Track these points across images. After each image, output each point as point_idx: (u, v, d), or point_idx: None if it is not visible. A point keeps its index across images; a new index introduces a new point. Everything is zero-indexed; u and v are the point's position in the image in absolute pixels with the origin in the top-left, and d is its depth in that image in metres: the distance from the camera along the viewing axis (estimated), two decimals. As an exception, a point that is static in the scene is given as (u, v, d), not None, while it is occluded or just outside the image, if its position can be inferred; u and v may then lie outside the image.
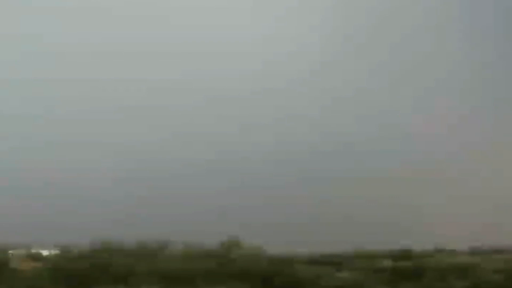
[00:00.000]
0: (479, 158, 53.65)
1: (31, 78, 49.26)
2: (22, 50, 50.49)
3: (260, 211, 44.31)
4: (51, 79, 49.13)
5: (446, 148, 54.07)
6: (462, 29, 59.68)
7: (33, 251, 33.86)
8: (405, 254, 35.02)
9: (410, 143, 54.08)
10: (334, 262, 31.82)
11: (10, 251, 31.31)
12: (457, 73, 59.05)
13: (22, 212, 40.08)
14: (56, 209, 41.70)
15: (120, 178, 43.72)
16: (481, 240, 41.03)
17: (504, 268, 32.27)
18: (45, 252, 33.45)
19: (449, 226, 45.96)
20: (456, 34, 59.34)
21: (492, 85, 59.29)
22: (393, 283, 29.48)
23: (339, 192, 48.37)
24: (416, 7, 59.35)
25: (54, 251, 32.18)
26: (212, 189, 45.61)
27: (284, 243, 33.63)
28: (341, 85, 55.57)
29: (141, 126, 48.59)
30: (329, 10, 57.30)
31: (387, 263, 32.14)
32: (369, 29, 58.43)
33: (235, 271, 27.34)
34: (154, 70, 51.14)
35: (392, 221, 45.22)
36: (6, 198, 40.78)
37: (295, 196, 47.01)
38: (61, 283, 26.85)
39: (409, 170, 51.50)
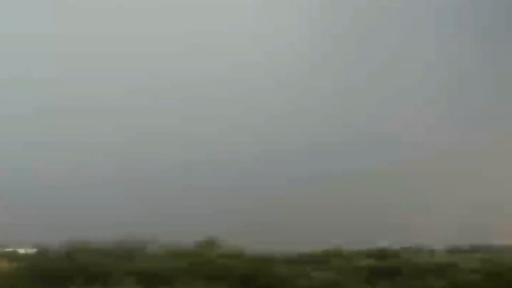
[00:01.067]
0: (456, 158, 54.12)
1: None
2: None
3: (240, 211, 44.36)
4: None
5: (423, 149, 54.47)
6: (442, 30, 60.12)
7: (10, 250, 33.60)
8: (383, 253, 35.16)
9: (388, 144, 54.34)
10: (312, 261, 31.86)
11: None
12: (433, 75, 59.48)
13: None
14: (33, 208, 41.41)
15: (99, 178, 43.51)
16: (458, 239, 41.40)
17: (482, 267, 32.57)
18: (22, 251, 33.21)
19: (426, 225, 46.29)
20: (434, 37, 59.78)
21: (468, 88, 59.79)
22: (371, 282, 29.63)
23: (318, 192, 48.53)
24: (391, 10, 59.67)
25: (31, 250, 31.97)
26: (193, 188, 45.56)
27: (264, 243, 33.63)
28: (328, 86, 55.73)
29: (122, 125, 48.38)
30: (305, 10, 57.42)
31: (365, 262, 32.30)
32: (346, 31, 58.71)
33: (213, 270, 27.36)
34: (133, 70, 50.91)
35: (370, 220, 45.47)
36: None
37: (276, 197, 47.12)
38: (38, 283, 26.68)
39: (387, 170, 51.78)
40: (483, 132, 56.49)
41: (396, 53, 58.57)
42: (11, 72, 49.19)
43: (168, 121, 49.66)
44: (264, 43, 55.66)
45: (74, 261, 27.46)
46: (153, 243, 29.15)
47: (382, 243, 37.22)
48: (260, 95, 52.96)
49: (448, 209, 49.06)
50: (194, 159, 47.82)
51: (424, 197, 49.89)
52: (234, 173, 48.36)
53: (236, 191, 46.21)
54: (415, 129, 55.51)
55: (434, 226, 46.33)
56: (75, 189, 41.79)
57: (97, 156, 45.96)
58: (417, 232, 43.86)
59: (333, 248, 34.73)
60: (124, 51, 50.99)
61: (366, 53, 58.23)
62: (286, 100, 54.03)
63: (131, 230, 29.25)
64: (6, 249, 33.39)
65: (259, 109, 52.45)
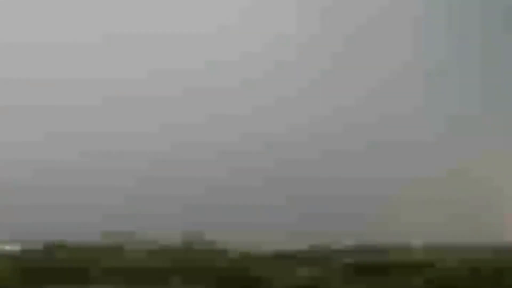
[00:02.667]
0: (435, 156, 54.40)
1: None
2: None
3: (224, 207, 44.33)
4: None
5: (398, 147, 54.71)
6: (417, 29, 60.42)
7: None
8: (367, 250, 35.36)
9: (375, 138, 54.49)
10: (296, 257, 31.98)
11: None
12: (422, 70, 59.68)
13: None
14: (14, 205, 41.13)
15: (79, 173, 43.30)
16: (437, 237, 41.61)
17: (459, 265, 32.90)
18: (3, 248, 33.05)
19: (409, 222, 46.52)
20: (408, 35, 60.06)
21: (444, 84, 60.14)
22: (351, 279, 29.81)
23: (300, 189, 48.59)
24: (367, 7, 59.86)
25: (13, 247, 31.85)
26: (176, 184, 45.43)
27: (247, 239, 33.67)
28: (316, 77, 55.66)
29: (98, 119, 48.07)
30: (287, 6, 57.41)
31: (346, 259, 32.46)
32: (323, 29, 58.79)
33: (195, 267, 27.38)
34: (113, 65, 50.60)
35: (354, 216, 45.62)
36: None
37: (259, 193, 47.09)
38: (20, 280, 26.60)
39: (369, 167, 51.98)
40: (463, 132, 56.90)
41: (384, 47, 58.76)
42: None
43: (152, 113, 49.42)
44: (252, 34, 55.56)
45: (57, 258, 27.41)
46: (133, 240, 29.16)
47: (365, 240, 37.43)
48: (248, 87, 52.95)
49: (431, 207, 49.33)
50: (177, 153, 47.65)
51: (408, 194, 50.13)
52: (218, 168, 48.28)
53: (219, 187, 46.18)
54: (401, 123, 55.75)
55: (416, 223, 46.60)
56: (54, 185, 41.57)
57: (75, 151, 45.72)
58: (401, 229, 44.09)
59: (316, 244, 34.90)
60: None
61: (354, 47, 58.39)
62: (272, 93, 54.02)
63: (112, 227, 29.22)
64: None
65: (246, 100, 52.37)
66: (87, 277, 26.73)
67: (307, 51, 54.11)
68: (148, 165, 46.97)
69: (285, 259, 31.16)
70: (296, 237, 36.84)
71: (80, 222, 36.55)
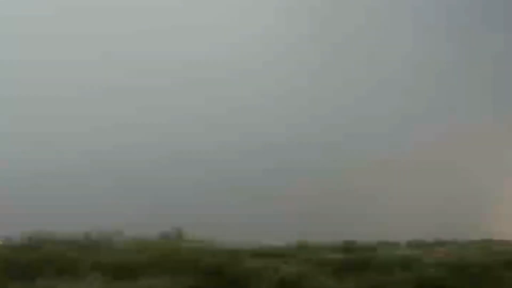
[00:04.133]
0: (421, 153, 54.73)
1: None
2: None
3: (210, 203, 44.41)
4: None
5: (387, 145, 55.04)
6: (408, 28, 60.61)
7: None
8: (350, 247, 35.54)
9: (360, 136, 54.76)
10: (280, 254, 32.10)
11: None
12: (409, 69, 59.95)
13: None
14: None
15: (62, 169, 43.23)
16: (424, 233, 41.92)
17: (446, 261, 33.09)
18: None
19: (393, 219, 46.78)
20: (402, 33, 60.23)
21: (439, 87, 60.42)
22: (337, 276, 29.90)
23: (287, 184, 48.77)
24: (361, 6, 59.99)
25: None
26: (162, 180, 45.47)
27: (232, 235, 33.74)
28: (296, 76, 55.78)
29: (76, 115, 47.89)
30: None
31: (332, 255, 32.61)
32: (315, 24, 58.87)
33: (180, 263, 27.39)
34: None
35: (338, 213, 45.83)
36: None
37: (245, 188, 47.21)
38: (4, 274, 26.49)
39: (354, 163, 52.23)
40: (456, 126, 57.13)
41: (371, 48, 58.93)
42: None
43: (132, 111, 49.34)
44: (238, 31, 55.51)
45: (40, 253, 27.31)
46: (119, 235, 29.13)
47: (350, 237, 37.65)
48: (232, 85, 52.91)
49: (416, 203, 49.61)
50: (162, 150, 47.68)
51: (393, 190, 50.41)
52: (203, 164, 48.34)
53: (204, 183, 46.26)
54: (384, 122, 56.08)
55: (400, 220, 46.84)
56: (41, 179, 41.50)
57: (59, 146, 45.61)
58: (384, 226, 44.34)
59: (301, 241, 35.04)
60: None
61: (342, 46, 58.50)
62: (260, 91, 54.06)
63: (97, 222, 29.21)
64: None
65: (230, 99, 52.40)
66: (75, 271, 26.69)
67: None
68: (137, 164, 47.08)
69: (271, 256, 31.28)
70: (283, 234, 37.01)
71: (68, 215, 36.62)
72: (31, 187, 39.94)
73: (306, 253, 32.88)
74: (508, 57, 62.32)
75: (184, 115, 50.56)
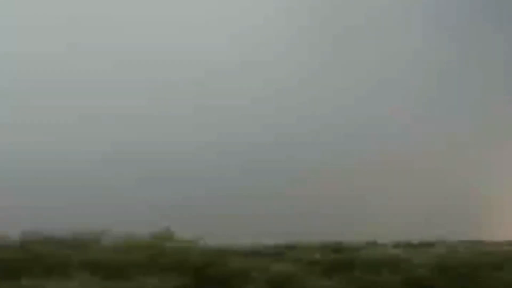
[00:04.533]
0: (413, 155, 54.84)
1: None
2: None
3: (197, 203, 44.40)
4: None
5: (383, 143, 55.11)
6: (410, 26, 60.68)
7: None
8: (338, 247, 35.64)
9: (350, 137, 54.87)
10: (269, 254, 32.18)
11: None
12: (401, 70, 60.08)
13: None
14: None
15: (49, 167, 43.13)
16: (413, 234, 42.03)
17: (434, 262, 33.21)
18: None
19: (382, 219, 46.90)
20: (402, 32, 60.32)
21: (440, 87, 60.53)
22: (325, 276, 29.99)
23: (275, 185, 48.80)
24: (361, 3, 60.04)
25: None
26: (148, 180, 45.43)
27: (221, 235, 33.80)
28: (285, 76, 55.82)
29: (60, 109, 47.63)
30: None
31: (320, 255, 32.69)
32: (314, 21, 58.83)
33: (168, 262, 27.46)
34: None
35: (327, 213, 45.91)
36: None
37: (233, 188, 47.22)
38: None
39: (345, 163, 52.33)
40: (444, 131, 57.31)
41: (370, 46, 58.99)
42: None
43: (121, 105, 49.11)
44: (230, 26, 55.41)
45: (28, 252, 27.33)
46: (107, 235, 29.17)
47: (339, 237, 37.75)
48: (224, 81, 52.82)
49: (406, 203, 49.73)
50: (147, 147, 47.57)
51: (382, 191, 50.52)
52: (189, 162, 48.29)
53: (191, 182, 46.25)
54: (375, 122, 56.17)
55: (390, 220, 46.96)
56: (23, 178, 41.39)
57: (42, 140, 45.37)
58: (373, 226, 44.45)
59: (289, 240, 35.13)
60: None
61: (338, 44, 58.53)
62: (249, 88, 54.03)
63: (85, 221, 29.22)
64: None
65: (220, 95, 52.30)
66: (64, 270, 26.73)
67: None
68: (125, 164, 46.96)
69: (259, 255, 31.34)
70: (270, 234, 37.08)
71: (58, 215, 36.53)
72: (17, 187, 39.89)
73: (294, 253, 32.97)
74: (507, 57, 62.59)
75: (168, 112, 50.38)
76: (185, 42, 52.43)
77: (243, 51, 54.36)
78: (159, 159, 47.46)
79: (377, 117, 56.70)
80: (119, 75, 49.21)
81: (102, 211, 38.99)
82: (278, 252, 32.86)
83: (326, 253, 33.46)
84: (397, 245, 39.98)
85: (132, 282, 26.07)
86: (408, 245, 39.87)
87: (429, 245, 40.42)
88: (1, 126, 44.09)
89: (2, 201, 37.06)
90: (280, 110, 53.91)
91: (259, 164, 50.14)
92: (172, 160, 47.84)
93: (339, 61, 57.80)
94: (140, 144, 47.62)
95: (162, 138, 48.68)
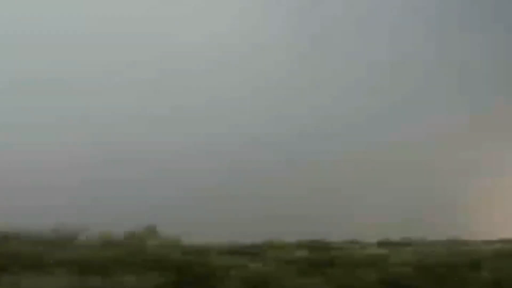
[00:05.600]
0: (393, 154, 55.06)
1: None
2: None
3: (181, 202, 44.27)
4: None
5: (363, 140, 55.30)
6: (389, 24, 60.91)
7: None
8: (317, 246, 35.71)
9: (328, 134, 54.96)
10: (248, 252, 32.17)
11: None
12: (383, 65, 60.22)
13: None
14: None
15: (27, 164, 42.81)
16: (391, 232, 42.21)
17: (412, 260, 33.43)
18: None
19: (361, 218, 47.07)
20: (381, 31, 60.54)
21: (417, 86, 60.81)
22: (304, 274, 30.07)
23: (259, 184, 48.80)
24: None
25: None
26: (129, 176, 45.23)
27: (203, 234, 33.75)
28: (273, 68, 55.71)
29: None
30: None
31: (300, 254, 32.77)
32: (297, 14, 58.75)
33: (147, 260, 27.36)
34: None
35: (306, 211, 45.98)
36: None
37: (218, 187, 47.14)
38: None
39: (325, 162, 52.45)
40: (431, 126, 57.60)
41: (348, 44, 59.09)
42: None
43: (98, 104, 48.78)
44: (206, 23, 55.18)
45: (6, 249, 27.11)
46: (86, 232, 29.00)
47: (317, 235, 37.81)
48: (206, 77, 52.66)
49: (383, 202, 49.94)
50: (128, 146, 47.34)
51: (360, 189, 50.72)
52: (170, 160, 48.12)
53: (172, 180, 46.11)
54: (351, 120, 56.32)
55: (368, 219, 47.15)
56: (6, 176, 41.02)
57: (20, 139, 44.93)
58: (352, 225, 44.61)
59: (269, 239, 35.13)
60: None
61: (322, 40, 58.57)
62: (235, 83, 53.86)
63: (63, 219, 29.03)
64: None
65: (200, 91, 52.11)
66: (41, 267, 26.55)
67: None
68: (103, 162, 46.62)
69: (239, 254, 31.35)
70: (249, 233, 37.06)
71: (33, 212, 36.22)
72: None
73: (274, 251, 32.99)
74: (485, 57, 63.01)
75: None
76: (158, 39, 52.19)
77: (219, 50, 54.27)
78: (140, 159, 47.26)
79: (353, 116, 56.90)
80: (98, 74, 48.88)
81: (82, 211, 38.77)
82: (258, 251, 32.85)
83: (305, 252, 33.55)
84: (376, 244, 40.15)
85: (110, 280, 25.97)
86: (387, 244, 40.02)
87: (407, 244, 40.62)
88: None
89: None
90: (255, 110, 53.87)
91: (238, 164, 50.08)
92: (151, 160, 47.68)
93: (316, 60, 57.91)
94: (123, 144, 47.39)
95: (141, 137, 48.47)
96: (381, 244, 40.20)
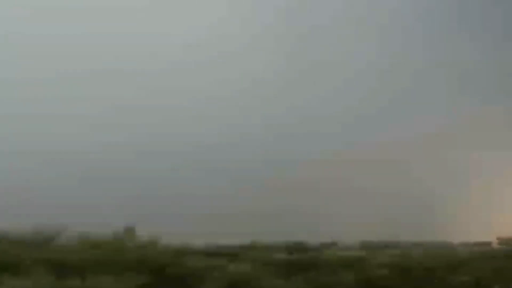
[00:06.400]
0: (373, 156, 55.31)
1: None
2: None
3: (160, 202, 44.17)
4: None
5: (343, 141, 55.46)
6: (373, 27, 61.16)
7: None
8: (296, 247, 35.85)
9: (308, 134, 55.09)
10: (228, 253, 32.21)
11: None
12: (372, 65, 60.37)
13: None
14: None
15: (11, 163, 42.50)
16: (369, 235, 42.45)
17: (390, 262, 33.69)
18: None
19: (340, 220, 47.23)
20: (366, 33, 60.77)
21: (399, 89, 61.09)
22: (282, 276, 30.18)
23: (239, 183, 48.79)
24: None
25: None
26: (108, 176, 45.04)
27: (183, 234, 33.72)
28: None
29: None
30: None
31: (279, 255, 32.88)
32: (287, 14, 58.77)
33: (125, 261, 27.30)
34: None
35: (286, 213, 46.06)
36: None
37: (197, 187, 47.11)
38: None
39: (307, 162, 52.54)
40: (403, 131, 57.94)
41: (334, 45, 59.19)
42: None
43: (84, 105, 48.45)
44: (197, 26, 55.01)
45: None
46: (64, 233, 28.86)
47: (298, 237, 37.92)
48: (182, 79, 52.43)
49: (366, 204, 50.13)
50: (110, 145, 47.09)
51: (344, 191, 50.84)
52: (151, 160, 47.99)
53: (152, 180, 45.99)
54: (335, 120, 56.48)
55: (347, 221, 47.31)
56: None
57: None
58: (332, 227, 44.74)
59: (249, 240, 35.20)
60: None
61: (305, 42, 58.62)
62: (209, 87, 53.74)
63: (42, 220, 28.88)
64: None
65: (186, 90, 51.93)
66: (19, 268, 26.40)
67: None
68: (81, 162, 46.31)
69: (217, 255, 31.37)
70: (227, 234, 37.11)
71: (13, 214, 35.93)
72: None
73: (253, 252, 33.07)
74: (474, 58, 63.45)
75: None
76: (144, 39, 52.00)
77: (206, 49, 54.19)
78: (112, 159, 47.02)
79: (337, 117, 57.06)
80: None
81: (65, 209, 38.56)
82: (236, 252, 32.91)
83: (283, 254, 33.68)
84: (354, 246, 40.34)
85: (87, 281, 25.88)
86: (366, 246, 40.26)
87: (386, 246, 40.90)
88: None
89: None
90: (238, 110, 53.87)
91: (219, 163, 50.06)
92: (127, 159, 47.49)
93: (302, 60, 58.01)
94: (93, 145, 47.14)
95: (111, 138, 48.22)
96: (360, 246, 40.43)
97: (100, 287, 25.19)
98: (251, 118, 53.62)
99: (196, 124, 51.35)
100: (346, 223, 46.53)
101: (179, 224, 40.06)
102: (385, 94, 59.59)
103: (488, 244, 47.05)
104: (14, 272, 25.79)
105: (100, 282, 25.40)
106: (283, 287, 29.70)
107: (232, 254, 32.54)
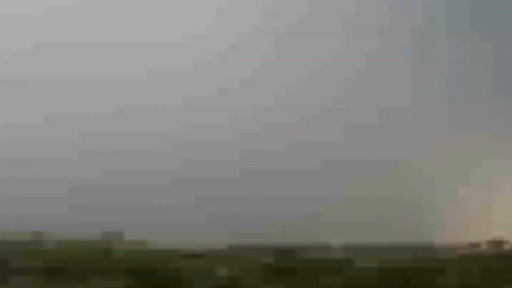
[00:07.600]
0: (362, 156, 55.29)
1: None
2: None
3: (148, 204, 44.16)
4: None
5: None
6: (355, 27, 61.12)
7: None
8: (281, 250, 35.78)
9: (294, 138, 55.01)
10: (212, 257, 32.18)
11: None
12: (349, 72, 60.41)
13: None
14: None
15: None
16: (355, 237, 42.43)
17: (376, 266, 33.72)
18: None
19: (327, 222, 47.27)
20: (347, 32, 60.75)
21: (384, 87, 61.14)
22: (270, 279, 30.21)
23: (226, 187, 48.78)
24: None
25: None
26: (96, 178, 44.99)
27: (171, 237, 33.73)
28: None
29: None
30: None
31: (265, 259, 32.83)
32: (256, 20, 58.69)
33: (112, 264, 27.34)
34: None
35: (275, 216, 46.08)
36: None
37: (184, 188, 47.08)
38: None
39: (294, 164, 52.54)
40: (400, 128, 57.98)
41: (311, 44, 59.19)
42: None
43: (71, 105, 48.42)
44: (184, 26, 54.92)
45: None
46: (50, 235, 28.90)
47: (285, 240, 37.89)
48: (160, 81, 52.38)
49: (349, 206, 50.15)
50: (101, 146, 47.03)
51: (331, 192, 50.86)
52: (143, 161, 47.93)
53: (144, 184, 45.94)
54: (323, 123, 56.50)
55: (333, 223, 47.36)
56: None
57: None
58: (318, 229, 44.78)
59: (234, 243, 35.15)
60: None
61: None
62: (186, 89, 53.63)
63: (28, 222, 28.89)
64: None
65: (179, 91, 51.88)
66: (4, 272, 26.46)
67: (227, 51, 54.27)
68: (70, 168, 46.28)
69: (203, 259, 31.37)
70: (214, 237, 37.08)
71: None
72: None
73: (237, 255, 33.06)
74: (455, 59, 63.41)
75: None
76: (134, 38, 51.98)
77: (183, 50, 54.13)
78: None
79: (318, 118, 57.05)
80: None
81: (52, 211, 38.54)
82: (224, 255, 32.90)
83: (268, 256, 33.65)
84: (345, 248, 40.31)
85: (76, 284, 25.94)
86: (351, 248, 40.24)
87: (372, 248, 40.88)
88: None
89: None
90: (217, 111, 53.79)
91: (201, 163, 49.99)
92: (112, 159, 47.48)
93: (281, 61, 57.93)
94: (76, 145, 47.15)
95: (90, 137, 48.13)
96: (348, 248, 40.37)
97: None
98: (229, 119, 53.60)
99: (180, 124, 51.47)
100: (331, 225, 46.59)
101: (167, 225, 40.11)
102: (371, 95, 59.60)
103: (477, 245, 47.11)
104: (1, 277, 25.87)
105: (88, 285, 25.51)
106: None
107: (218, 257, 32.54)
